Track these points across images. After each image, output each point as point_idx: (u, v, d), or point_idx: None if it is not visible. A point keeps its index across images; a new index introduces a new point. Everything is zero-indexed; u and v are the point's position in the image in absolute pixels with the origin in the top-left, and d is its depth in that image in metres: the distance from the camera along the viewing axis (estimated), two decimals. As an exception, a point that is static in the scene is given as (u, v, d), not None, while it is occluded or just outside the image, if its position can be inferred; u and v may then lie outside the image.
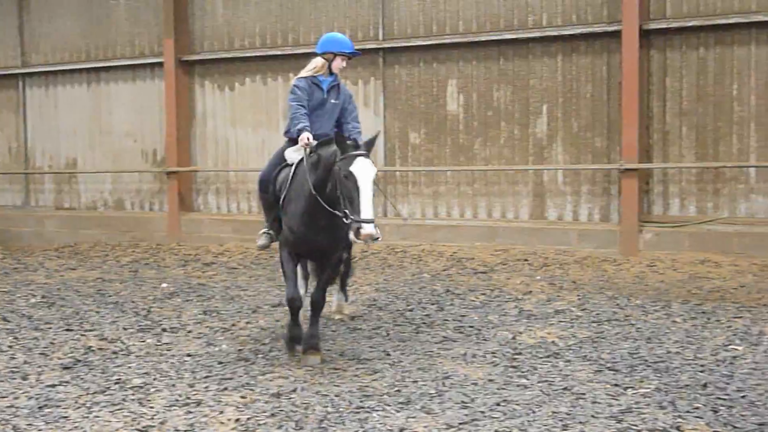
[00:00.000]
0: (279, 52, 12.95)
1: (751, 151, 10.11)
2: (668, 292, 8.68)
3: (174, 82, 13.54)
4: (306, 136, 6.21)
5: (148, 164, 14.40)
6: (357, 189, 5.59)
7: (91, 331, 7.52)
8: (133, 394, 5.54)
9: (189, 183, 13.91)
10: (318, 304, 6.34)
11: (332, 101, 6.75)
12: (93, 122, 14.89)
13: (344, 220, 5.67)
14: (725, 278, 9.14)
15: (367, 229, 5.49)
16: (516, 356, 6.32)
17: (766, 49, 9.96)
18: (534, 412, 5.01)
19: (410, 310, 8.11)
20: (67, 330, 7.56)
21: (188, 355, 6.55)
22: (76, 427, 4.95)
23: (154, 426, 4.93)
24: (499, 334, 7.06)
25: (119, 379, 5.92)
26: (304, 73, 6.74)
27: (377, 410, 5.09)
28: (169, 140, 13.70)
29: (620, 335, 6.92)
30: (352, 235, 5.62)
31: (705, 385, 5.46)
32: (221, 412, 5.13)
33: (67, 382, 5.88)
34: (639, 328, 7.14)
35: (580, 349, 6.48)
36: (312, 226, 6.04)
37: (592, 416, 4.91)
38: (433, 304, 8.35)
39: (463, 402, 5.22)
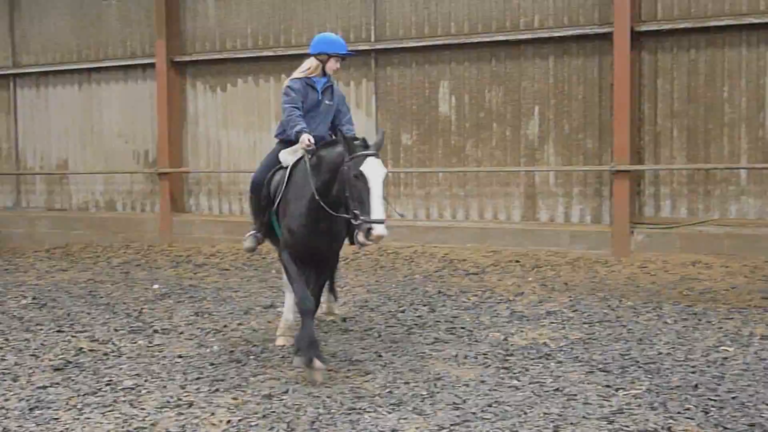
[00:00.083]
0: (271, 54, 12.93)
1: (742, 153, 10.15)
2: (659, 293, 8.71)
3: (166, 83, 13.51)
4: (307, 138, 6.06)
5: (139, 165, 14.35)
6: (368, 189, 5.47)
7: (82, 332, 7.50)
8: (124, 396, 5.53)
9: (181, 184, 13.88)
10: (313, 306, 6.30)
11: (327, 102, 6.60)
12: (84, 123, 14.84)
13: (352, 221, 5.58)
14: (716, 280, 9.17)
15: (378, 230, 5.39)
16: (508, 357, 6.33)
17: (756, 51, 10.01)
18: (526, 413, 5.02)
19: (402, 312, 8.11)
20: (58, 331, 7.55)
21: (180, 357, 6.54)
22: (67, 428, 4.94)
23: (145, 428, 4.92)
24: (491, 335, 7.07)
25: (110, 380, 5.90)
26: (297, 74, 6.56)
27: (369, 411, 5.09)
28: (160, 141, 13.67)
29: (612, 336, 6.94)
30: (361, 236, 5.55)
31: (696, 386, 5.48)
32: (213, 414, 5.12)
33: (58, 383, 5.86)
34: (630, 329, 7.16)
35: (572, 351, 6.49)
36: (312, 228, 5.95)
37: (584, 417, 4.93)
38: (425, 306, 8.36)
39: (454, 403, 5.23)
